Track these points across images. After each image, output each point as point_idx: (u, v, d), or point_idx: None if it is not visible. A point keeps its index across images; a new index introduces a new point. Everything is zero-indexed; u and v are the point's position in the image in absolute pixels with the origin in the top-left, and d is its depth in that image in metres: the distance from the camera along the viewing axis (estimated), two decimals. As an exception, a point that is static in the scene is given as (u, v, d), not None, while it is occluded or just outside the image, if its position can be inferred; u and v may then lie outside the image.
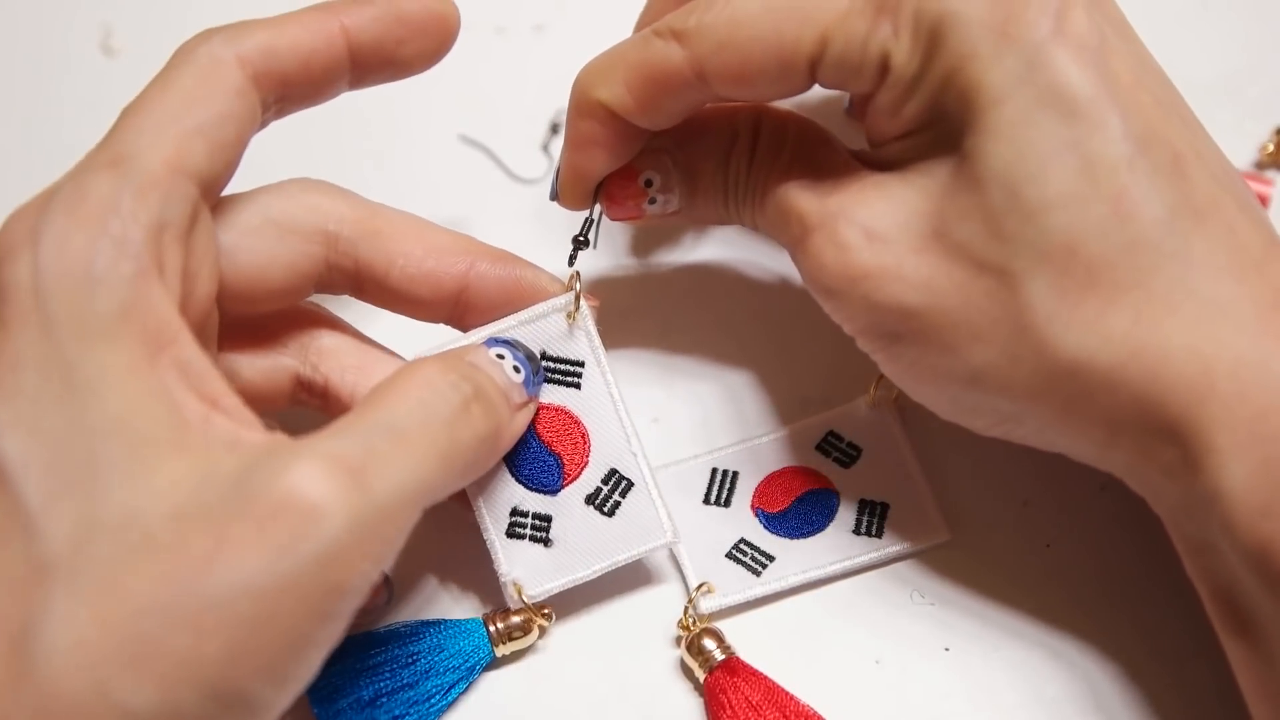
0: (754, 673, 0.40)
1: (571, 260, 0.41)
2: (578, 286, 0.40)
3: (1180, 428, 0.33)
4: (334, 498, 0.30)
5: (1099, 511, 0.43)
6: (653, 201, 0.41)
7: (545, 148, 0.52)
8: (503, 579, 0.40)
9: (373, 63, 0.38)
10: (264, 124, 0.38)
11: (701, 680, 0.40)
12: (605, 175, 0.40)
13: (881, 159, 0.38)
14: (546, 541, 0.40)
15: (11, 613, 0.29)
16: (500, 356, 0.38)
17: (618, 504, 0.40)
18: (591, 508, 0.40)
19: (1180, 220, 0.34)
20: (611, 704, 0.41)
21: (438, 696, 0.39)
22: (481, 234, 0.42)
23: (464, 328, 0.41)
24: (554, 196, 0.42)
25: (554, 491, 0.40)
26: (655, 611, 0.42)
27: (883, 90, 0.36)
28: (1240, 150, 0.49)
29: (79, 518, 0.30)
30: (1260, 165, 0.49)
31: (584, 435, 0.40)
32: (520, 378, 0.39)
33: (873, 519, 0.43)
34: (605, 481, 0.40)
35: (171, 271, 0.33)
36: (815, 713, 0.39)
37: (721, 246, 0.49)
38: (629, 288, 0.48)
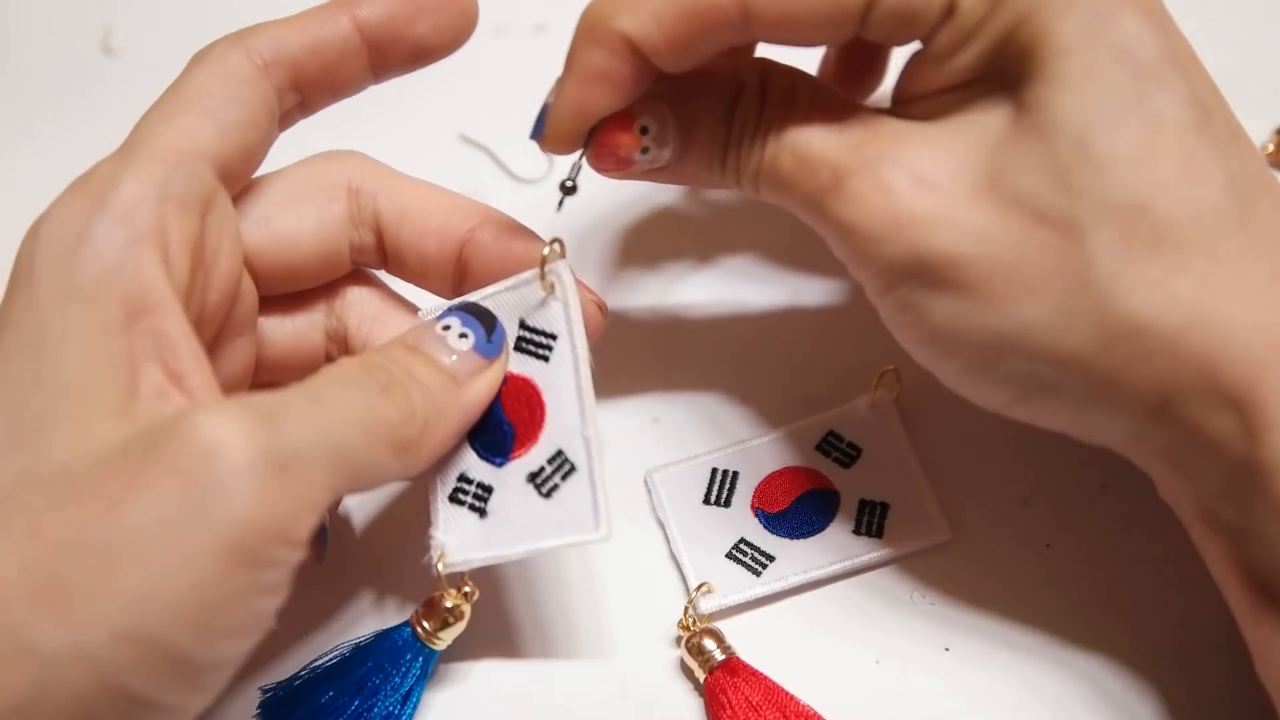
0: (754, 673, 0.40)
1: (559, 207, 0.39)
2: (546, 251, 0.38)
3: (1242, 397, 0.32)
4: (237, 435, 0.30)
5: (1099, 511, 0.43)
6: (645, 151, 0.38)
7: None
8: (432, 542, 0.38)
9: (388, 46, 0.38)
10: (288, 120, 0.39)
11: (701, 680, 0.40)
12: (602, 117, 0.37)
13: (914, 114, 0.37)
14: (483, 512, 0.38)
15: None
16: (446, 327, 0.37)
17: (556, 487, 0.37)
18: (531, 486, 0.38)
19: (1243, 189, 0.33)
20: (611, 704, 0.41)
21: (398, 708, 0.39)
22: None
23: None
24: (536, 135, 0.38)
25: (501, 463, 0.38)
26: (655, 611, 0.42)
27: (941, 34, 0.35)
28: (1240, 150, 0.49)
29: (18, 472, 0.31)
30: (1260, 165, 0.49)
31: (541, 410, 0.38)
32: (468, 344, 0.37)
33: (873, 519, 0.43)
34: (550, 462, 0.37)
35: (177, 243, 0.34)
36: (815, 713, 0.39)
37: (724, 250, 0.49)
38: (630, 288, 0.48)
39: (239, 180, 0.37)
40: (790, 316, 0.47)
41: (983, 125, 0.35)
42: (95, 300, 0.32)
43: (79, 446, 0.31)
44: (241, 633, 0.31)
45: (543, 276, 0.38)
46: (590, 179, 0.39)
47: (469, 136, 0.52)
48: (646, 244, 0.49)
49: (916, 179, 0.35)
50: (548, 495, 0.37)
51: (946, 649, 0.41)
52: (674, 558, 0.43)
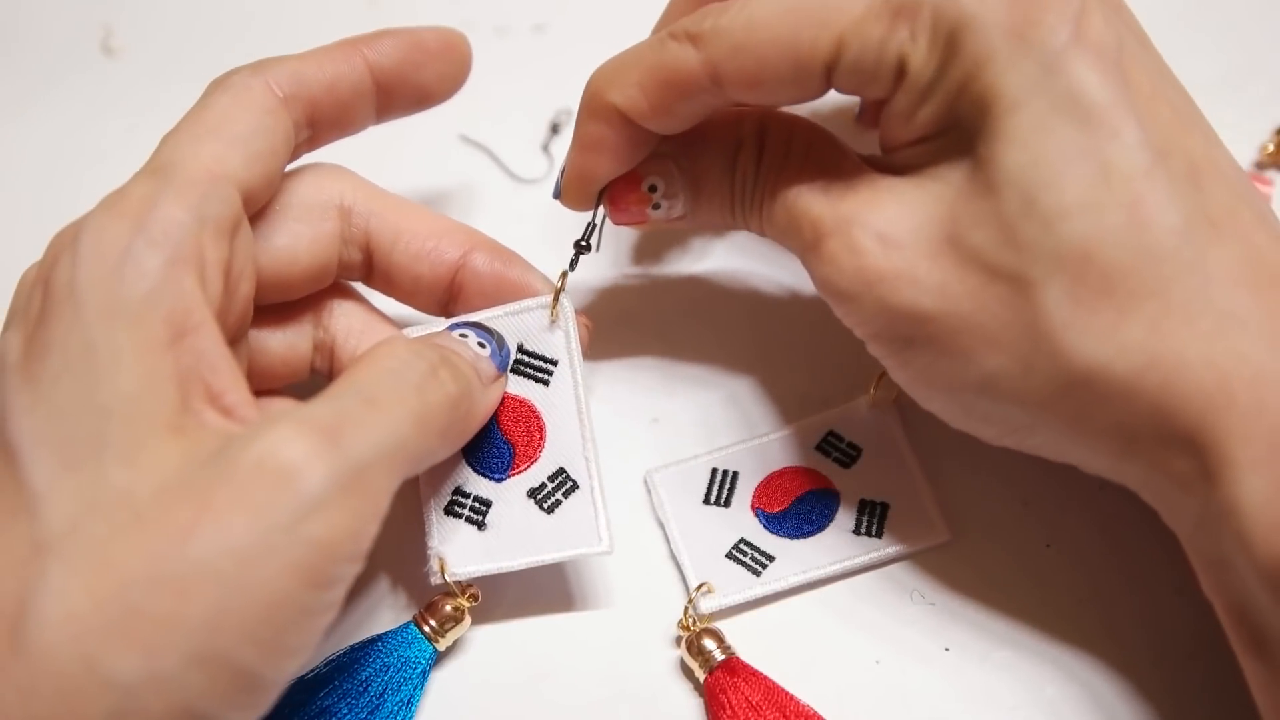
0: (754, 673, 0.40)
1: (573, 265, 0.41)
2: (558, 283, 0.41)
3: (1197, 439, 0.33)
4: (308, 456, 0.30)
5: (1099, 511, 0.43)
6: (656, 207, 0.41)
7: (545, 148, 0.52)
8: (430, 552, 0.40)
9: (396, 88, 0.41)
10: (297, 154, 0.40)
11: (701, 680, 0.40)
12: (610, 179, 0.40)
13: (894, 164, 0.38)
14: (481, 525, 0.40)
15: (10, 591, 0.30)
16: (464, 335, 0.39)
17: (559, 503, 0.40)
18: (532, 502, 0.40)
19: (1197, 231, 0.34)
20: (611, 704, 0.41)
21: (400, 711, 0.39)
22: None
23: (453, 316, 0.42)
24: (557, 195, 0.42)
25: (499, 479, 0.40)
26: (655, 611, 0.42)
27: (899, 94, 0.36)
28: (1240, 150, 0.49)
29: (78, 496, 0.31)
30: (1260, 165, 0.49)
31: (541, 431, 0.40)
32: (485, 353, 0.39)
33: (873, 519, 0.43)
34: (552, 479, 0.40)
35: (213, 266, 0.35)
36: (815, 713, 0.39)
37: (722, 250, 0.49)
38: (630, 290, 0.48)
39: (257, 206, 0.39)
40: (790, 317, 0.47)
41: (944, 180, 0.36)
42: (141, 319, 0.32)
43: (137, 468, 0.31)
44: (304, 650, 0.31)
45: (554, 305, 0.40)
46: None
47: (469, 136, 0.52)
48: (646, 245, 0.49)
49: (881, 238, 0.36)
50: (550, 510, 0.39)
51: (946, 649, 0.41)
52: (674, 558, 0.43)
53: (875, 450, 0.44)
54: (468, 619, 0.40)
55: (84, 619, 0.29)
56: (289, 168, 0.40)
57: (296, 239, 0.40)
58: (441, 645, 0.40)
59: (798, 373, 0.46)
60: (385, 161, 0.51)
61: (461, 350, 0.39)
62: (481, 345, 0.39)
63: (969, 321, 0.35)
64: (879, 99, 0.37)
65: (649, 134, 0.39)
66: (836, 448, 0.44)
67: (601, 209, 0.41)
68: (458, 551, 0.40)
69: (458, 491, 0.40)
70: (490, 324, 0.41)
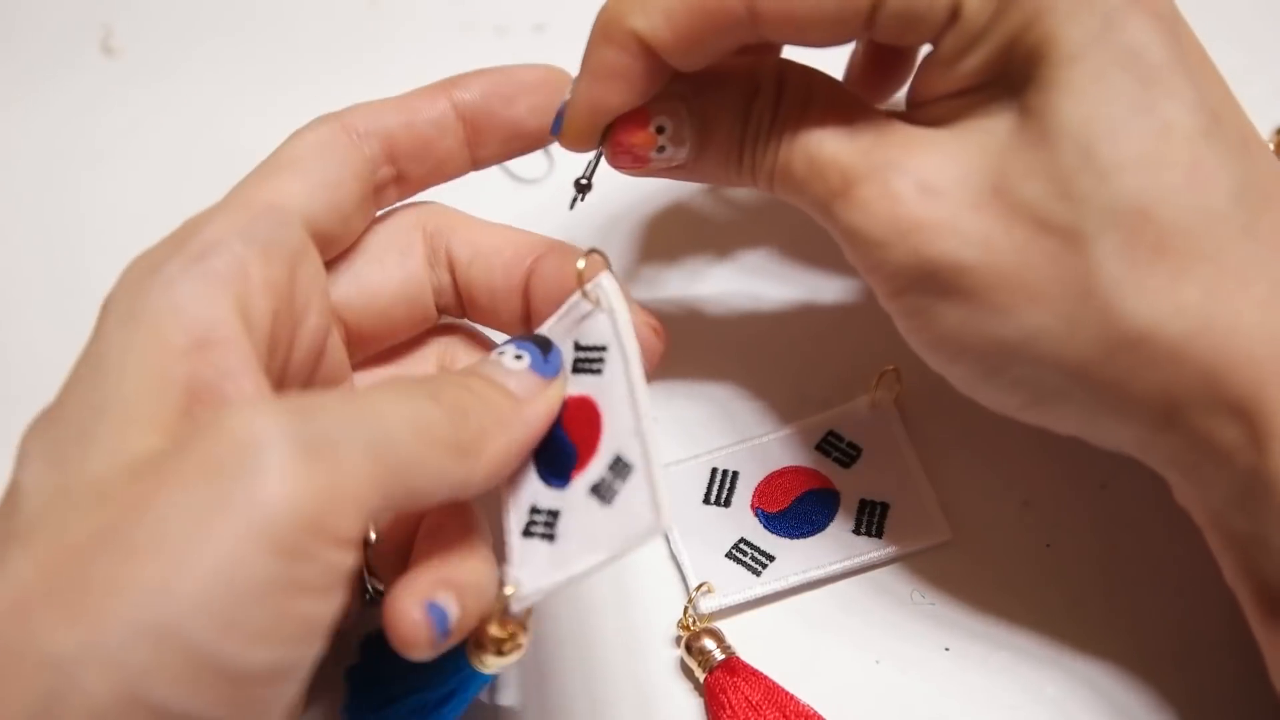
0: (754, 672, 0.40)
1: (572, 205, 0.39)
2: (581, 264, 0.37)
3: (1248, 406, 0.32)
4: (269, 425, 0.29)
5: (1099, 511, 0.43)
6: (661, 150, 0.38)
7: (546, 148, 0.52)
8: (507, 579, 0.36)
9: (485, 124, 0.40)
10: (385, 192, 0.40)
11: (701, 680, 0.40)
12: (617, 115, 0.38)
13: (924, 118, 0.37)
14: (552, 538, 0.36)
15: None
16: (501, 353, 0.37)
17: (615, 492, 0.35)
18: (594, 498, 0.36)
19: (1250, 196, 0.33)
20: (612, 704, 0.41)
21: None
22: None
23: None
24: (555, 131, 0.39)
25: (563, 485, 0.37)
26: (655, 611, 0.42)
27: (946, 39, 0.35)
28: (1240, 150, 0.49)
29: (55, 489, 0.30)
30: (1260, 165, 0.49)
31: (599, 422, 0.37)
32: (524, 364, 0.36)
33: (873, 519, 0.43)
34: (611, 469, 0.36)
35: (257, 285, 0.34)
36: (815, 712, 0.39)
37: (722, 249, 0.49)
38: (629, 289, 0.48)
39: (332, 240, 0.38)
40: (790, 316, 0.47)
41: (989, 131, 0.35)
42: (157, 326, 0.32)
43: (114, 459, 0.30)
44: (279, 638, 0.28)
45: (583, 290, 0.37)
46: (575, 174, 0.39)
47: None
48: (646, 245, 0.49)
49: (922, 186, 0.35)
50: (609, 502, 0.36)
51: (946, 649, 0.41)
52: (674, 558, 0.43)
53: (875, 450, 0.44)
54: (520, 647, 0.36)
55: (27, 589, 0.27)
56: (381, 212, 0.40)
57: (385, 268, 0.39)
58: (486, 669, 0.36)
59: (798, 373, 0.46)
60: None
61: (490, 373, 0.36)
62: (519, 357, 0.36)
63: (1012, 276, 0.34)
64: (914, 43, 0.36)
65: (665, 68, 0.36)
66: (836, 447, 0.44)
67: (599, 149, 0.38)
68: (530, 572, 0.36)
69: (533, 510, 0.37)
70: (544, 334, 0.38)
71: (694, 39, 0.35)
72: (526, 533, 0.37)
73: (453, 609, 0.33)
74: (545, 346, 0.37)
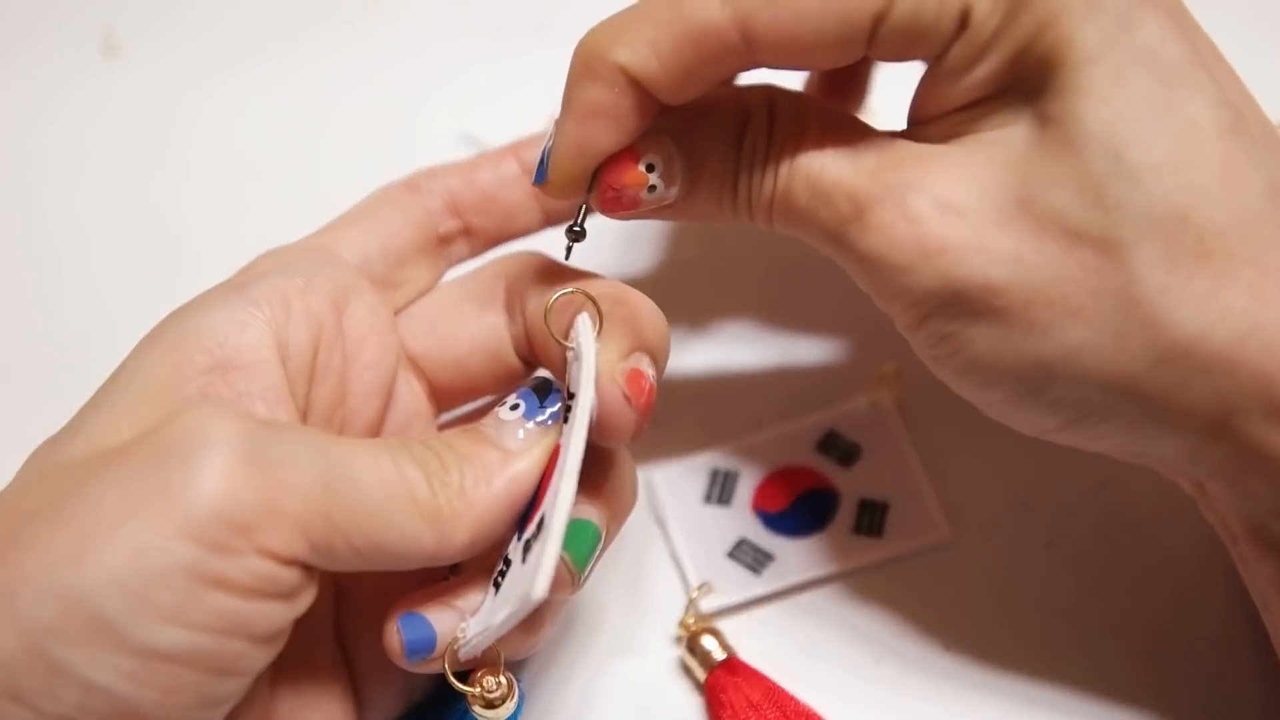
0: (754, 672, 0.40)
1: (567, 255, 0.38)
2: (548, 303, 0.35)
3: None
4: (226, 430, 0.30)
5: (1099, 511, 0.43)
6: (651, 189, 0.36)
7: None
8: (458, 629, 0.35)
9: None
10: (452, 246, 0.41)
11: (702, 680, 0.40)
12: (605, 157, 0.35)
13: (927, 136, 0.35)
14: (498, 587, 0.34)
15: None
16: (502, 403, 0.35)
17: (531, 549, 0.33)
18: (524, 552, 0.33)
19: None
20: (611, 704, 0.41)
21: None
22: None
23: None
24: (540, 180, 0.36)
25: (519, 536, 0.34)
26: (655, 611, 0.42)
27: (954, 49, 0.33)
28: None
29: (34, 468, 0.32)
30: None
31: (551, 473, 0.34)
32: (517, 414, 0.35)
33: (873, 518, 0.43)
34: (538, 525, 0.33)
35: (298, 317, 0.35)
36: (815, 712, 0.39)
37: (722, 249, 0.49)
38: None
39: (390, 284, 0.39)
40: (790, 316, 0.47)
41: (1003, 144, 0.34)
42: (177, 344, 0.33)
43: (93, 448, 0.31)
44: (191, 623, 0.29)
45: (549, 331, 0.36)
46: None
47: (469, 136, 0.52)
48: (645, 245, 0.49)
49: (941, 204, 0.33)
50: (525, 560, 0.33)
51: (946, 649, 0.41)
52: (674, 557, 0.43)
53: (875, 450, 0.44)
54: (499, 696, 0.35)
55: None
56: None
57: (462, 321, 0.39)
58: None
59: (798, 372, 0.46)
60: (386, 161, 0.51)
61: (485, 424, 0.34)
62: (515, 407, 0.35)
63: (1048, 291, 0.32)
64: (915, 58, 0.35)
65: (652, 104, 0.34)
66: (837, 447, 0.44)
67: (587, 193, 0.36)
68: (474, 621, 0.34)
69: (505, 559, 0.35)
70: (551, 378, 0.36)
71: (684, 70, 0.33)
72: (495, 581, 0.35)
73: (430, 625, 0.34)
74: (543, 392, 0.35)
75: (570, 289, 0.35)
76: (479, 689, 0.34)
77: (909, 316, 0.35)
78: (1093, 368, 0.33)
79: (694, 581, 0.42)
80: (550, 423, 0.34)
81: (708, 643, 0.40)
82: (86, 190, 0.53)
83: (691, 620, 0.41)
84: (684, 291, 0.48)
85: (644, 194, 0.36)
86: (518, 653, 0.35)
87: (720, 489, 0.44)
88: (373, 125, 0.51)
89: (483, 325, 0.39)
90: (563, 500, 0.31)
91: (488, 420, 0.35)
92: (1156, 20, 0.33)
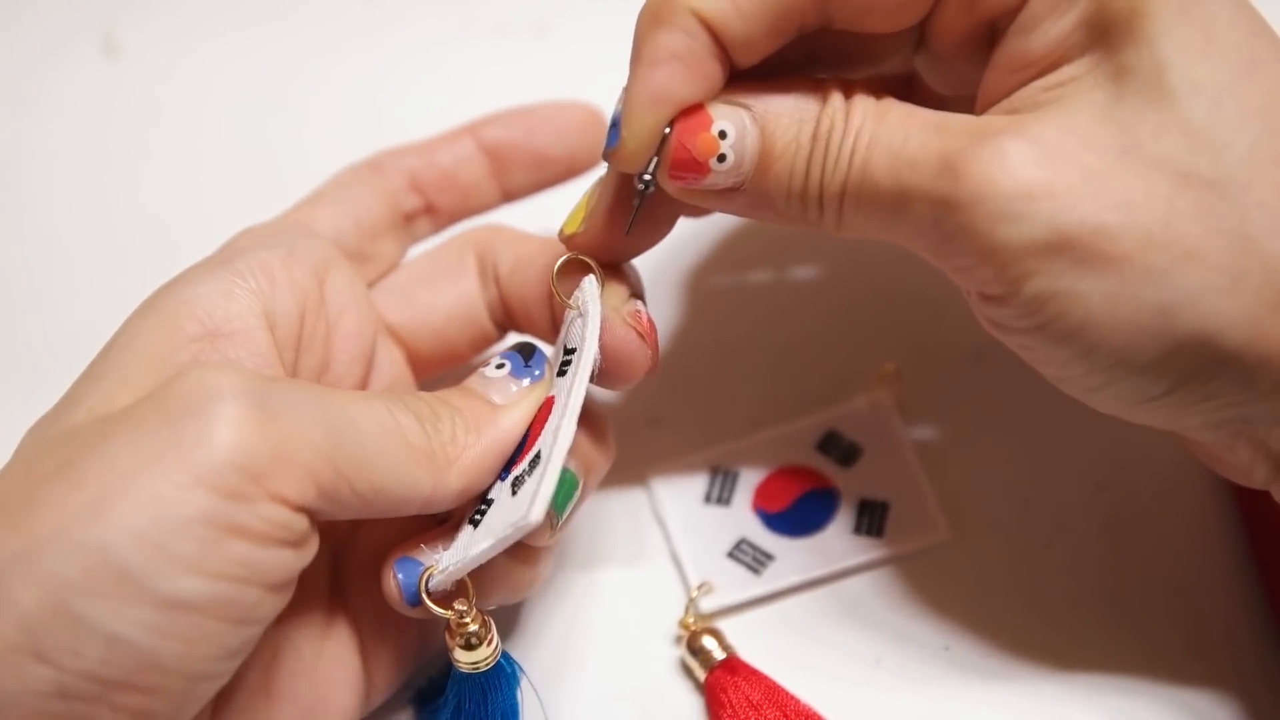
0: (754, 672, 0.40)
1: (635, 210, 0.36)
2: (555, 267, 0.37)
3: None
4: (234, 384, 0.31)
5: (1099, 511, 0.43)
6: (722, 159, 0.34)
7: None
8: (429, 561, 0.37)
9: (509, 153, 0.42)
10: (416, 221, 0.43)
11: (702, 679, 0.40)
12: (679, 109, 0.34)
13: (1003, 112, 0.35)
14: (475, 524, 0.36)
15: None
16: (486, 363, 0.38)
17: (522, 484, 0.35)
18: (511, 489, 0.36)
19: None
20: (611, 704, 0.41)
21: None
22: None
23: None
24: (612, 144, 0.35)
25: (504, 477, 0.37)
26: (655, 611, 0.42)
27: (1034, 1, 0.34)
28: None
29: (39, 437, 0.33)
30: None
31: (544, 419, 0.37)
32: (503, 372, 0.37)
33: (873, 518, 0.43)
34: (530, 463, 0.35)
35: (283, 288, 0.36)
36: (815, 712, 0.39)
37: (722, 249, 0.49)
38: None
39: (364, 257, 0.41)
40: (791, 316, 0.47)
41: (1088, 101, 0.33)
42: (171, 314, 0.34)
43: (94, 415, 0.32)
44: (210, 572, 0.29)
45: (556, 292, 0.38)
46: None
47: (469, 136, 0.52)
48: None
49: (1043, 150, 0.32)
50: (515, 494, 0.35)
51: (946, 649, 0.41)
52: (674, 557, 0.43)
53: (875, 450, 0.44)
54: (468, 633, 0.36)
55: None
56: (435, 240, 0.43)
57: (437, 291, 0.41)
58: (463, 667, 0.37)
59: (798, 373, 0.46)
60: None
61: (471, 381, 0.37)
62: (500, 365, 0.37)
63: (1164, 234, 0.32)
64: (994, 15, 0.34)
65: (725, 59, 0.34)
66: (837, 447, 0.44)
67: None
68: (449, 555, 0.36)
69: (484, 499, 0.37)
70: (538, 342, 0.39)
71: (761, 20, 0.33)
72: (471, 519, 0.37)
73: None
74: (528, 353, 0.38)
75: (568, 255, 0.37)
76: (452, 612, 0.36)
77: (1006, 279, 0.33)
78: (1213, 312, 0.32)
79: (694, 581, 0.42)
80: (535, 379, 0.37)
81: (708, 642, 0.40)
82: (85, 191, 0.53)
83: (691, 620, 0.41)
84: (684, 292, 0.48)
85: (714, 162, 0.35)
86: (515, 593, 0.38)
87: (720, 489, 0.44)
88: (373, 125, 0.51)
89: (459, 293, 0.41)
90: (563, 437, 0.34)
91: (474, 379, 0.37)
92: None
